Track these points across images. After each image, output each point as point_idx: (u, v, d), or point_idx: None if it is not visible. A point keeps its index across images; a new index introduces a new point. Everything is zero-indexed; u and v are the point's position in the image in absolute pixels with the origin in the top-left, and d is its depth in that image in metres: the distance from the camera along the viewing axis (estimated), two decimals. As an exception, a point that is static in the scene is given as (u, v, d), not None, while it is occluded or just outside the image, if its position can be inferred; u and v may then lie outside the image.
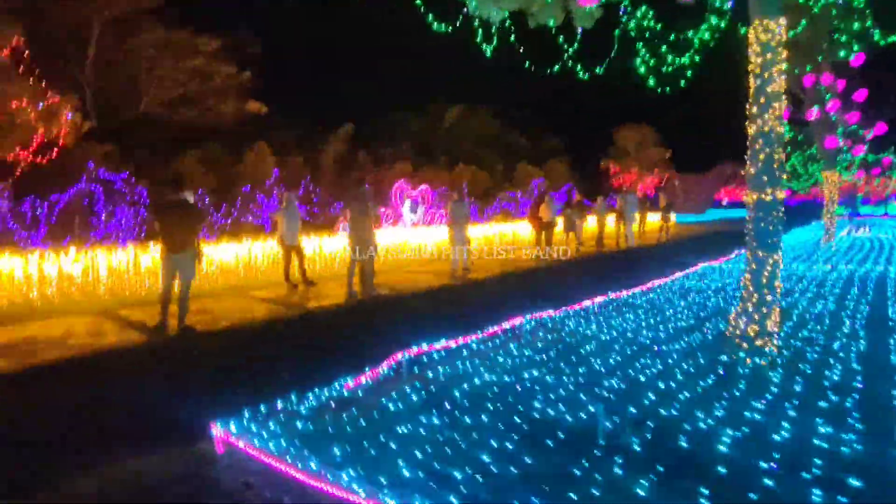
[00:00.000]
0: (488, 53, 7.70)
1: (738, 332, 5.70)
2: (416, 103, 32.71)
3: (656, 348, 5.29)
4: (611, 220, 18.28)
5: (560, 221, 15.73)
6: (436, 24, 7.14)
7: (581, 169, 35.57)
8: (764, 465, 3.06)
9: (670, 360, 4.95)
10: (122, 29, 18.15)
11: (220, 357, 5.85)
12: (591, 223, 20.19)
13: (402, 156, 27.84)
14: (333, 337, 6.51)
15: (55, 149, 11.48)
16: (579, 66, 7.54)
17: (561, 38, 7.78)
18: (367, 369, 4.48)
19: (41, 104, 9.82)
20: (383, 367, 4.52)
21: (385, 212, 20.46)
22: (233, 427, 3.39)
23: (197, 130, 21.58)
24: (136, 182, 16.40)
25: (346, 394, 4.14)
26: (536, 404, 3.91)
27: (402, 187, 21.28)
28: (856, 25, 10.86)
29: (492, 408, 3.86)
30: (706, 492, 2.77)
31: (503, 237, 19.65)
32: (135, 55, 18.61)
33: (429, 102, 33.21)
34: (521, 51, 8.27)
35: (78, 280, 9.45)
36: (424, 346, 4.86)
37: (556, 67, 8.25)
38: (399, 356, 4.64)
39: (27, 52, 9.96)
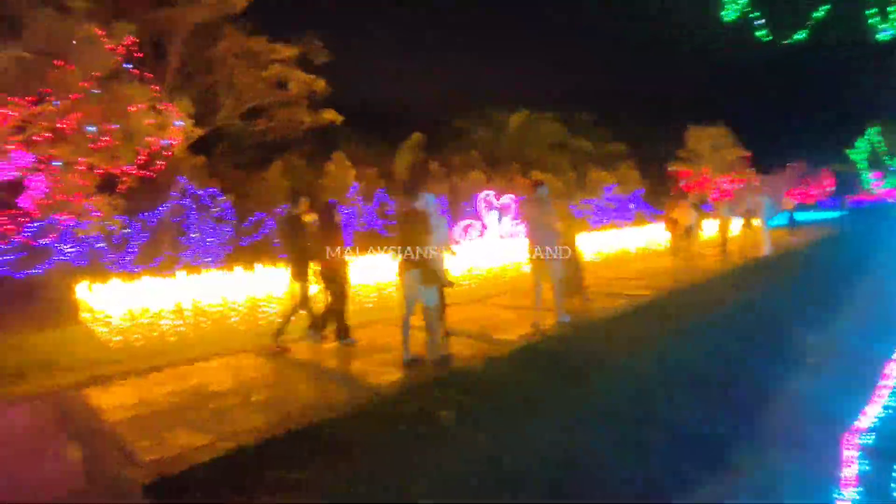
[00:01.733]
0: (730, 16, 6.09)
1: None
2: (477, 110, 31.42)
3: None
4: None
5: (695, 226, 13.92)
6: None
7: (649, 173, 33.64)
8: None
9: None
10: (201, 38, 17.07)
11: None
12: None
13: (472, 164, 26.38)
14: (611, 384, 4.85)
15: (161, 161, 10.18)
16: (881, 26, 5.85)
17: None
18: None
19: (154, 110, 8.47)
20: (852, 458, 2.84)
21: (471, 224, 18.89)
22: None
23: (272, 142, 20.43)
24: (224, 198, 15.19)
25: None
26: None
27: (489, 197, 19.68)
28: None
29: None
30: None
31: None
32: (215, 65, 17.53)
33: (489, 109, 31.83)
34: (758, 16, 6.62)
35: (218, 309, 8.02)
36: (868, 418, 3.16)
37: (804, 33, 6.56)
38: (850, 438, 2.97)
39: (139, 53, 8.67)
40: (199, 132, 9.63)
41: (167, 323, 7.45)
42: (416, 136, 25.77)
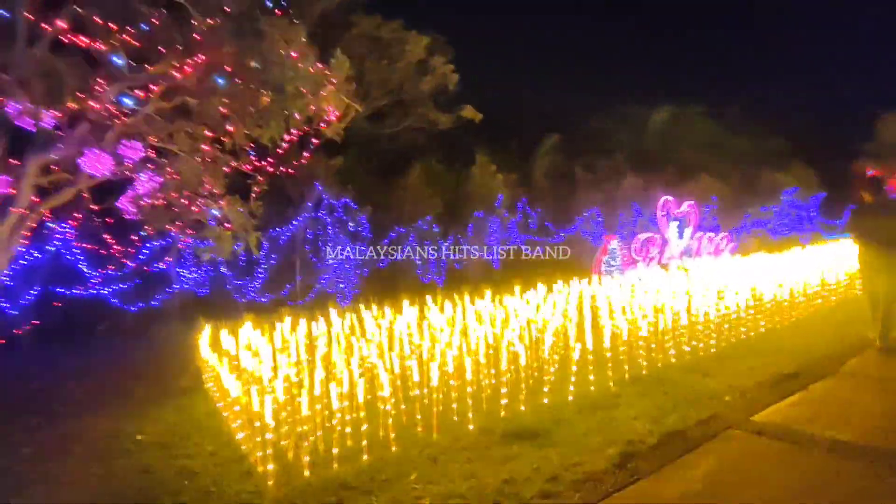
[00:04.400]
0: None
1: None
2: (612, 109, 27.10)
3: None
4: None
5: None
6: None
7: (823, 173, 27.35)
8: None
9: None
10: (328, 28, 14.51)
11: None
12: None
13: (618, 168, 22.10)
14: None
15: (306, 153, 7.14)
16: None
17: None
18: None
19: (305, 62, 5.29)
20: None
21: (652, 238, 14.65)
22: None
23: (401, 148, 17.52)
24: (360, 210, 12.16)
25: None
26: None
27: (669, 204, 15.34)
28: None
29: None
30: None
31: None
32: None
33: (625, 107, 27.37)
34: None
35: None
36: None
37: None
38: None
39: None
40: (357, 108, 6.45)
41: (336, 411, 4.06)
42: (554, 139, 22.01)
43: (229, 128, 5.38)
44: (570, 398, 4.80)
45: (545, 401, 4.71)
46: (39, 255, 8.08)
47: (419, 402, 4.26)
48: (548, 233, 18.17)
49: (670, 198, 15.36)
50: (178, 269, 9.56)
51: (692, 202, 16.13)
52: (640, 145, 25.16)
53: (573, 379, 4.91)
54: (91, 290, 8.81)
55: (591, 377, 5.07)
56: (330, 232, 11.21)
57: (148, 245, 9.08)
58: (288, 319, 6.24)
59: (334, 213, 11.70)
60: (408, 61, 15.68)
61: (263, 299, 10.66)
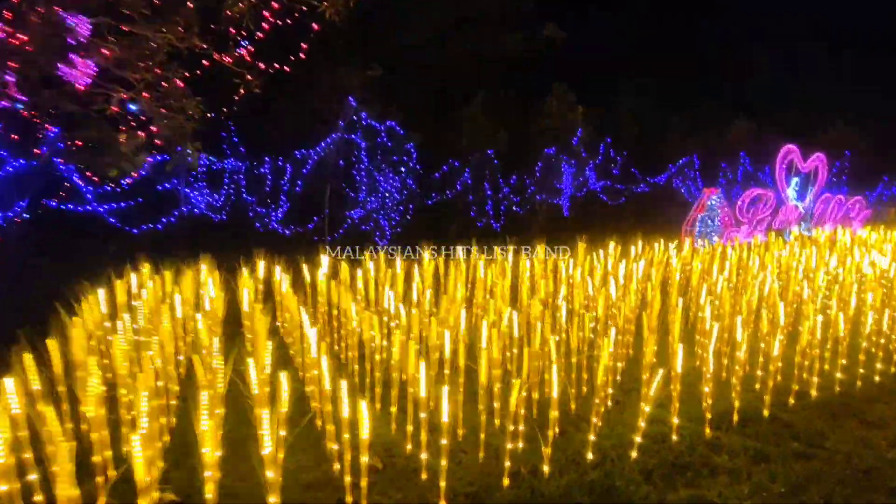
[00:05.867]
0: None
1: None
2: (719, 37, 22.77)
3: None
4: None
5: None
6: None
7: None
8: None
9: None
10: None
11: None
12: None
13: (724, 110, 18.34)
14: None
15: (309, 34, 5.25)
16: None
17: None
18: None
19: None
20: None
21: (761, 196, 11.58)
22: None
23: (467, 71, 15.07)
24: (407, 137, 10.20)
25: None
26: None
27: (793, 155, 12.07)
28: None
29: None
30: None
31: None
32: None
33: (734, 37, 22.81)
34: None
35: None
36: None
37: None
38: None
39: None
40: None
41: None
42: (646, 77, 18.46)
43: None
44: (634, 453, 2.80)
45: (589, 455, 2.75)
46: (24, 163, 6.93)
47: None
48: (632, 180, 15.38)
49: (795, 147, 12.04)
50: (185, 190, 8.23)
51: (821, 154, 12.67)
52: (753, 85, 20.89)
53: (643, 424, 2.88)
54: (87, 207, 7.67)
55: (675, 418, 3.02)
56: (364, 158, 9.39)
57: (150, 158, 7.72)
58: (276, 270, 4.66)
59: (376, 138, 9.84)
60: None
61: (287, 231, 9.23)
